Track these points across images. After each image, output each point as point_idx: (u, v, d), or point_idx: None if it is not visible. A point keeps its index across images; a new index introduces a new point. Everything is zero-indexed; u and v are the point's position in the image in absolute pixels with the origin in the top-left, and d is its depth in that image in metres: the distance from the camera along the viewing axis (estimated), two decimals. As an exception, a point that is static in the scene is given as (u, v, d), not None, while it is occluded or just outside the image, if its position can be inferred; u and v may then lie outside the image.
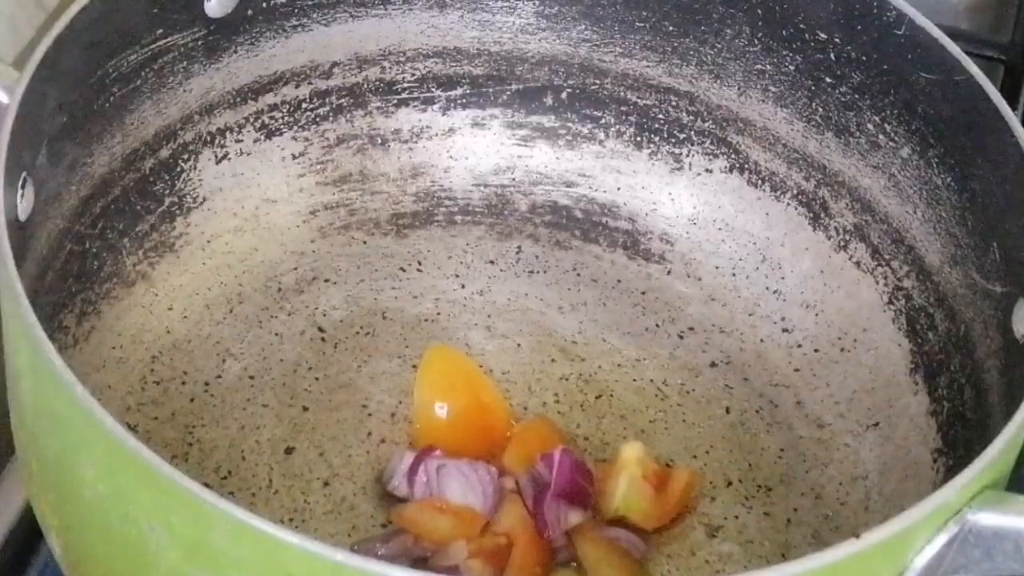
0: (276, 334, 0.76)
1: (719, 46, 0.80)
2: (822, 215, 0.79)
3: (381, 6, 0.80)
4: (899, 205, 0.76)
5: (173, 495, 0.51)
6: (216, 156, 0.78)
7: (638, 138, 0.83)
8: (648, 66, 0.82)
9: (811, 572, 0.52)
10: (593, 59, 0.82)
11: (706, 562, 0.70)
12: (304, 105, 0.81)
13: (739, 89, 0.80)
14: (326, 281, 0.79)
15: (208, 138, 0.78)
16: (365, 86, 0.82)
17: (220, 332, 0.75)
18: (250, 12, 0.76)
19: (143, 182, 0.75)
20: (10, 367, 0.61)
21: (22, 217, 0.62)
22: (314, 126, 0.81)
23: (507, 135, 0.84)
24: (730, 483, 0.73)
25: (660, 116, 0.82)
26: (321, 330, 0.77)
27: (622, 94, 0.83)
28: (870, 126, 0.76)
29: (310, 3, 0.78)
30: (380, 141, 0.83)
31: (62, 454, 0.57)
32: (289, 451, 0.72)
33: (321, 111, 0.81)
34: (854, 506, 0.72)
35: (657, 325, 0.79)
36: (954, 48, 0.71)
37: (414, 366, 0.75)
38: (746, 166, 0.81)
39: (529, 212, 0.83)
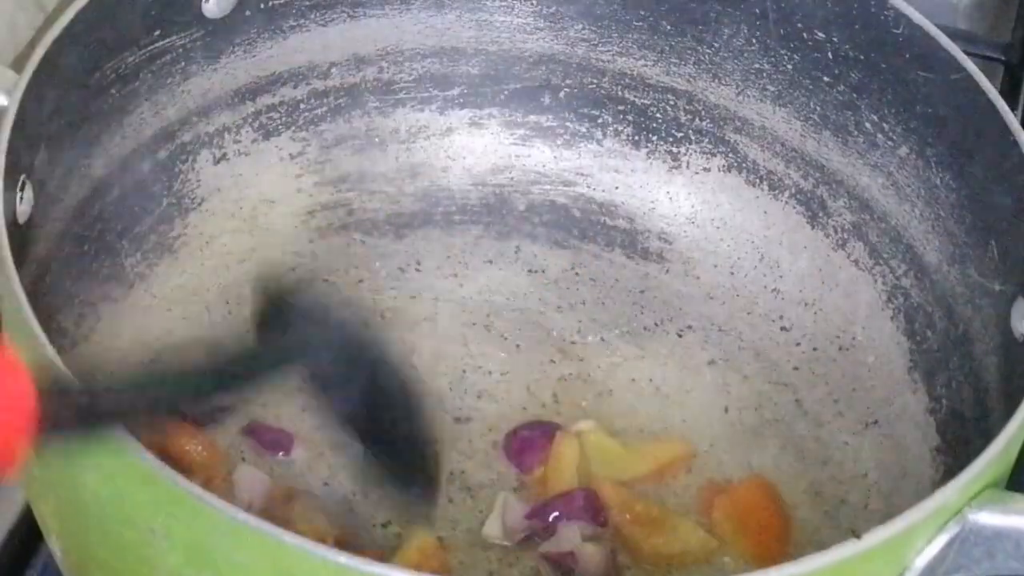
0: (275, 335, 0.76)
1: (717, 45, 0.80)
2: (820, 214, 0.79)
3: (379, 6, 0.80)
4: (897, 204, 0.76)
5: (174, 498, 0.51)
6: (214, 157, 0.78)
7: (636, 137, 0.83)
8: (646, 65, 0.82)
9: (811, 572, 0.52)
10: (591, 58, 0.82)
11: (707, 562, 0.70)
12: (302, 105, 0.81)
13: (737, 88, 0.80)
14: (324, 281, 0.78)
15: (206, 139, 0.78)
16: (363, 86, 0.82)
17: (219, 333, 0.75)
18: (248, 13, 0.76)
19: (141, 183, 0.75)
20: (10, 369, 0.61)
21: (21, 219, 0.62)
22: (312, 126, 0.81)
23: (505, 135, 0.84)
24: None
25: (658, 115, 0.82)
26: (320, 330, 0.76)
27: (620, 93, 0.83)
28: (868, 125, 0.76)
29: (308, 4, 0.78)
30: (378, 141, 0.83)
31: (62, 458, 0.56)
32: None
33: (319, 111, 0.81)
34: (854, 505, 0.72)
35: (656, 324, 0.79)
36: (951, 46, 0.71)
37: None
38: (744, 165, 0.81)
39: (527, 211, 0.83)
